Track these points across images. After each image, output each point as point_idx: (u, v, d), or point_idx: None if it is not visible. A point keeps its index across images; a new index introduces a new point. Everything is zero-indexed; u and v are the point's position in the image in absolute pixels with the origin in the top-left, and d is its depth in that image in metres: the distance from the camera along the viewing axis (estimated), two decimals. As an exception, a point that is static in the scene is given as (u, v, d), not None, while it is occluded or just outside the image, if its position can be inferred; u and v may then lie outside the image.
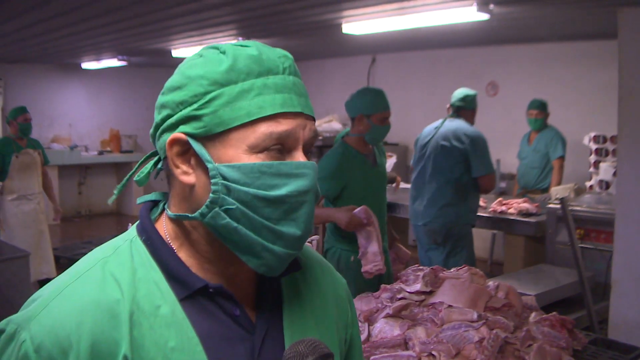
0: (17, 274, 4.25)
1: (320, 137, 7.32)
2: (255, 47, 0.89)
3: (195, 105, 0.86)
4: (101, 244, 0.96)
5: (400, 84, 8.38)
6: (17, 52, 7.67)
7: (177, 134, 0.88)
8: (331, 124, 7.77)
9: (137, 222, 0.97)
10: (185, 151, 0.89)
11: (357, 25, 5.13)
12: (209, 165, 0.86)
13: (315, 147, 7.32)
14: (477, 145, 4.16)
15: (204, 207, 0.87)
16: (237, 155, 0.86)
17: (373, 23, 4.96)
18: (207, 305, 0.90)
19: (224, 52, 0.89)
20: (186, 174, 0.89)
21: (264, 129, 0.85)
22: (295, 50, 8.25)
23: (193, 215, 0.88)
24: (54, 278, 0.94)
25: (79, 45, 6.96)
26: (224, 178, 0.85)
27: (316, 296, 1.04)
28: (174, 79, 0.90)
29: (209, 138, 0.87)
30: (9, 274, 4.21)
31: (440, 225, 4.21)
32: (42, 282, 5.47)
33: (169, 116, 0.89)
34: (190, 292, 0.89)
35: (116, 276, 0.87)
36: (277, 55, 0.90)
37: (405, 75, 8.42)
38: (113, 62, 8.24)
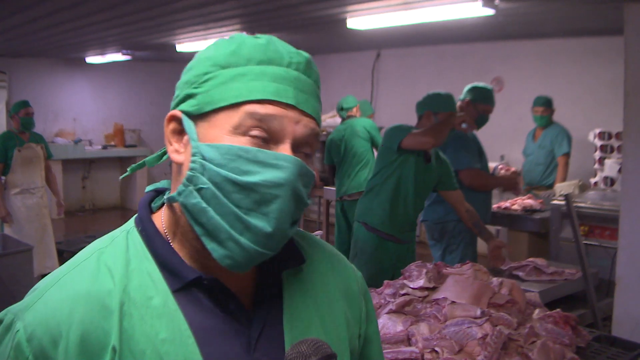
0: (20, 268, 4.25)
1: (324, 132, 7.32)
2: (267, 39, 0.89)
3: (195, 84, 0.88)
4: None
5: (405, 80, 8.35)
6: (22, 46, 7.68)
7: (174, 110, 0.90)
8: (335, 119, 7.72)
9: (137, 213, 0.97)
10: (180, 129, 0.90)
11: (361, 20, 5.11)
12: (192, 143, 0.86)
13: (321, 143, 7.28)
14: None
15: (181, 185, 0.87)
16: (219, 136, 0.85)
17: (378, 18, 4.95)
18: (201, 298, 0.89)
19: (237, 39, 0.90)
20: (177, 152, 0.90)
21: (248, 108, 0.84)
22: (300, 45, 8.14)
23: (172, 194, 0.88)
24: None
25: (84, 40, 6.96)
26: (203, 157, 0.85)
27: (321, 290, 1.00)
28: (190, 62, 0.92)
29: (200, 117, 0.87)
30: (12, 268, 4.21)
31: (433, 221, 4.20)
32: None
33: (177, 96, 0.91)
34: (183, 284, 0.88)
35: (110, 267, 0.87)
36: (288, 50, 0.89)
37: (410, 70, 8.38)
38: (117, 57, 8.25)
